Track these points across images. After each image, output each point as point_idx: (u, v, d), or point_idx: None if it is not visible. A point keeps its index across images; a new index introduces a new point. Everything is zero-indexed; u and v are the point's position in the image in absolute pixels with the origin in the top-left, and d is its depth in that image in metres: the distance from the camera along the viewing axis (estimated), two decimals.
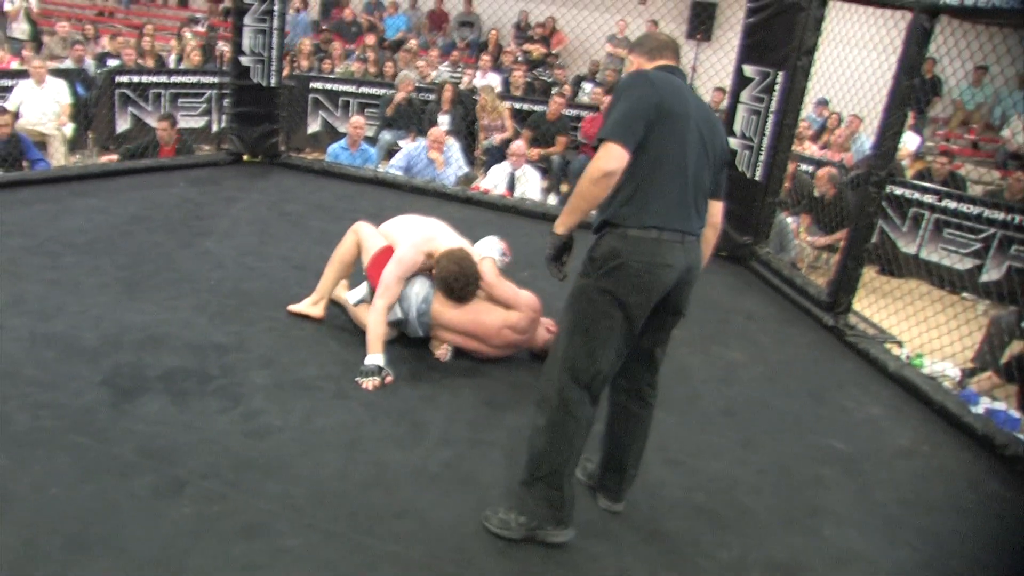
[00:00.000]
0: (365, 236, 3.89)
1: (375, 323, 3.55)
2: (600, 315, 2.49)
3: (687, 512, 2.90)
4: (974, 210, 7.36)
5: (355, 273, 4.05)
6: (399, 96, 9.03)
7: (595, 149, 2.42)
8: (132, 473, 2.65)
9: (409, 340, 3.79)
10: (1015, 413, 4.46)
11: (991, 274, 7.27)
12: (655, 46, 2.67)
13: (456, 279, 3.59)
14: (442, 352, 3.76)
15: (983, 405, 4.39)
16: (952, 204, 7.53)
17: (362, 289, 3.90)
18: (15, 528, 2.35)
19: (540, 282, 3.96)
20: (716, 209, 2.72)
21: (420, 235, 3.76)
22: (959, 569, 2.80)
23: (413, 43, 11.57)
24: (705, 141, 2.53)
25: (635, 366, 2.71)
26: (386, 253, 3.75)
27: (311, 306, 3.95)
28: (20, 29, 10.98)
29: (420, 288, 3.69)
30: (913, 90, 4.40)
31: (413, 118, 9.05)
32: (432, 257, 3.68)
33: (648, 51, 2.66)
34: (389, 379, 3.46)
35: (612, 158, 2.37)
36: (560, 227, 2.53)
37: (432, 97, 9.30)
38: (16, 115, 7.44)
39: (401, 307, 3.69)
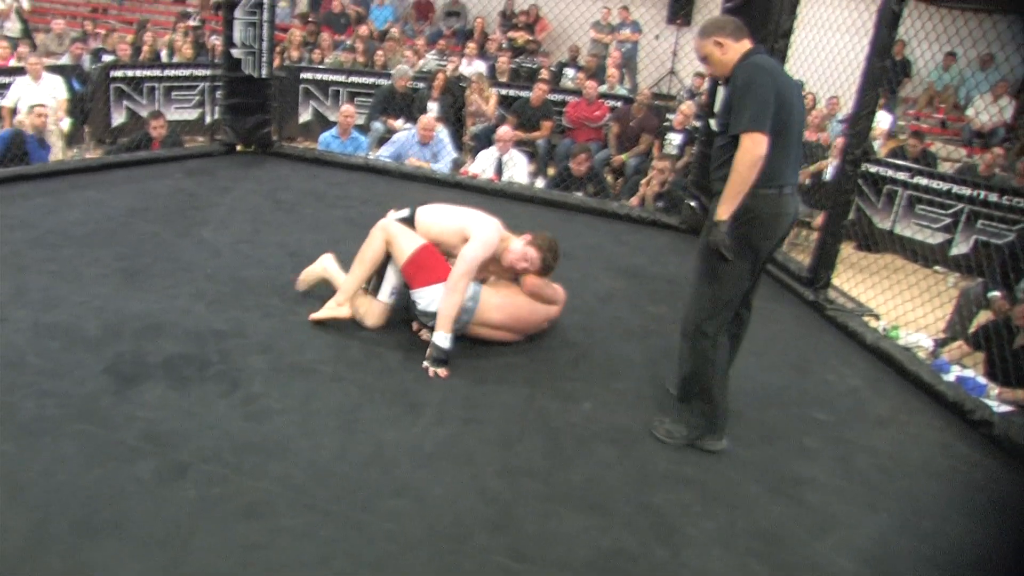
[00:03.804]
0: (396, 235, 3.73)
1: (453, 303, 3.53)
2: (736, 257, 2.94)
3: (675, 484, 2.95)
4: (944, 186, 7.45)
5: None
6: (399, 86, 9.08)
7: (734, 139, 2.85)
8: (136, 458, 2.69)
9: (402, 324, 3.82)
10: (982, 380, 4.54)
11: (960, 247, 7.38)
12: (733, 28, 3.00)
13: (557, 252, 3.76)
14: (425, 335, 3.74)
15: (954, 373, 4.45)
16: (924, 181, 7.62)
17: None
18: (25, 513, 2.39)
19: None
20: None
21: (493, 222, 3.75)
22: (931, 529, 2.88)
23: (395, 31, 11.56)
24: (801, 105, 2.98)
25: None
26: (426, 251, 3.68)
27: (337, 307, 3.79)
28: (11, 28, 11.00)
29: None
30: (885, 71, 4.44)
31: (404, 105, 9.09)
32: (505, 241, 3.75)
33: (732, 33, 2.99)
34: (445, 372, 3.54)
35: (760, 145, 2.80)
36: (725, 214, 2.89)
37: (422, 85, 9.33)
38: (14, 111, 7.49)
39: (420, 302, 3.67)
